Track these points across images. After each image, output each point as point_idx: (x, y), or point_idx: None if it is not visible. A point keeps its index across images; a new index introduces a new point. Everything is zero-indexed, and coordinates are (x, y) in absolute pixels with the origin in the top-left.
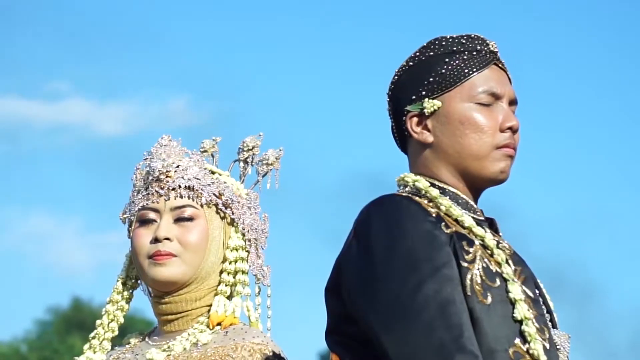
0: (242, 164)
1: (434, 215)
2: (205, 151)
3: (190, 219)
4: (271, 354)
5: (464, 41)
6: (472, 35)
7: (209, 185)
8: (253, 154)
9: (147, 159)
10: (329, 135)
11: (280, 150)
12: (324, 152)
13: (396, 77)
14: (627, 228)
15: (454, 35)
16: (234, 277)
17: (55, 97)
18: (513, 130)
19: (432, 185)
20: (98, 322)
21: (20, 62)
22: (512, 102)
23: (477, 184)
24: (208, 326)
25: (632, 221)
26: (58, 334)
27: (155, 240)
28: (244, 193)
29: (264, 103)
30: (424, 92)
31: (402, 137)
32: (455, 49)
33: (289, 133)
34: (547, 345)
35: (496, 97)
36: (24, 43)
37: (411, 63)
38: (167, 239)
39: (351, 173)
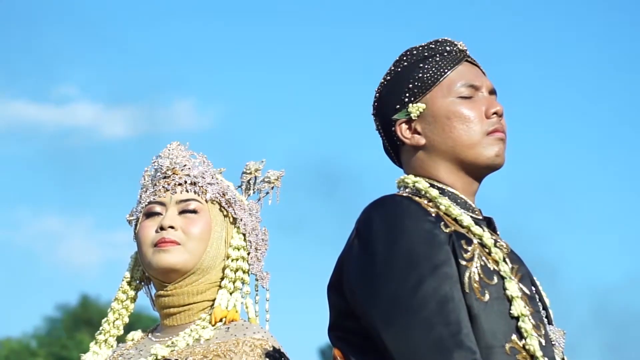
0: (244, 185)
1: (433, 214)
2: None
3: (194, 211)
4: (271, 349)
5: (433, 46)
6: (440, 40)
7: (213, 184)
8: (255, 177)
9: (155, 161)
10: (273, 121)
11: (282, 171)
12: (266, 138)
13: (377, 94)
14: (578, 206)
15: (423, 44)
16: (235, 274)
17: (63, 101)
18: (498, 114)
19: (432, 185)
20: (104, 319)
21: (29, 68)
22: (492, 92)
23: (475, 174)
24: (210, 322)
25: (583, 199)
26: (67, 330)
27: (161, 229)
28: (246, 202)
29: (210, 90)
30: (406, 99)
31: (395, 149)
32: (426, 54)
33: (231, 120)
34: (543, 341)
35: (475, 88)
36: (33, 49)
37: (388, 77)
38: (172, 227)
39: (295, 160)
